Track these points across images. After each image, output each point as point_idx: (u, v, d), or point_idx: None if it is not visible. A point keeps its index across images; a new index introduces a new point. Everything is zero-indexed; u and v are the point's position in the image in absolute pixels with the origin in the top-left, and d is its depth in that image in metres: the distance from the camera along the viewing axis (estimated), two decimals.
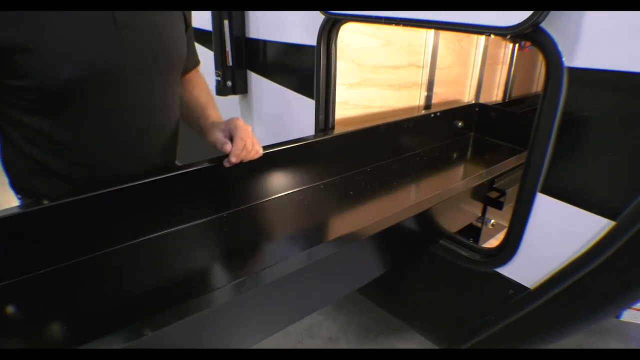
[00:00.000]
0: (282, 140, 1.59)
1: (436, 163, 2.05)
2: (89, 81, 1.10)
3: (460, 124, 2.38)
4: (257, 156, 1.33)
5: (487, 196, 1.62)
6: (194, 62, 1.53)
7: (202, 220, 1.35)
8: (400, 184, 1.76)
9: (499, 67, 2.97)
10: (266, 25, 2.09)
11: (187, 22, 1.40)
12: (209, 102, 1.49)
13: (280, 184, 1.57)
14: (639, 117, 1.06)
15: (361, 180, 1.77)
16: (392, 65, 2.26)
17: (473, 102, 2.77)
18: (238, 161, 1.29)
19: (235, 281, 0.94)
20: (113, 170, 1.24)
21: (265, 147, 1.43)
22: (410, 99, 2.43)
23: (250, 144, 1.29)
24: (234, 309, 0.92)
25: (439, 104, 2.56)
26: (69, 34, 1.05)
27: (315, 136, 1.79)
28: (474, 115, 2.48)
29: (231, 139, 1.28)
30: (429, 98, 2.49)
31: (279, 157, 1.54)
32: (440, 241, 1.56)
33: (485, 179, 1.60)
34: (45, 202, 1.04)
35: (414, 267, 1.71)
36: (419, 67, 2.40)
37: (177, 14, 1.32)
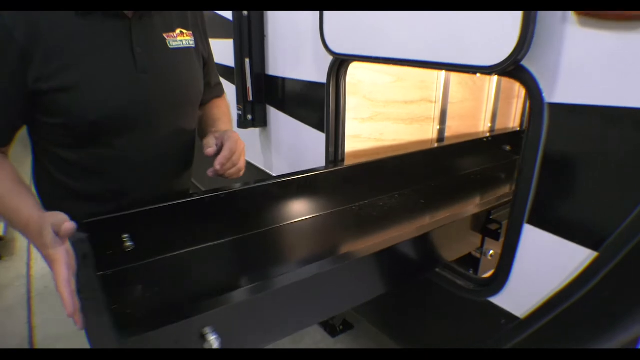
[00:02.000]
0: (297, 170, 1.62)
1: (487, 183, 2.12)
2: (112, 120, 1.18)
3: (508, 147, 2.47)
4: (237, 174, 1.32)
5: (485, 227, 1.57)
6: (218, 92, 1.59)
7: (222, 241, 1.38)
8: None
9: (514, 100, 2.91)
10: (283, 64, 2.12)
11: (205, 60, 1.44)
12: (223, 118, 1.52)
13: (290, 211, 1.58)
14: (617, 150, 1.02)
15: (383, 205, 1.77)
16: (404, 100, 2.24)
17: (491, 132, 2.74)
18: (221, 171, 1.27)
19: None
20: (134, 195, 1.31)
21: (279, 177, 1.50)
22: (423, 133, 2.40)
23: (237, 158, 1.29)
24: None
25: (452, 137, 2.52)
26: (95, 79, 1.13)
27: (324, 167, 1.80)
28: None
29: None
30: (441, 131, 2.45)
31: (292, 185, 1.56)
32: (437, 269, 1.52)
33: (482, 210, 1.56)
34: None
35: (411, 292, 1.67)
36: (431, 102, 2.38)
37: (194, 56, 1.36)
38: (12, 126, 1.18)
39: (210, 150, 1.27)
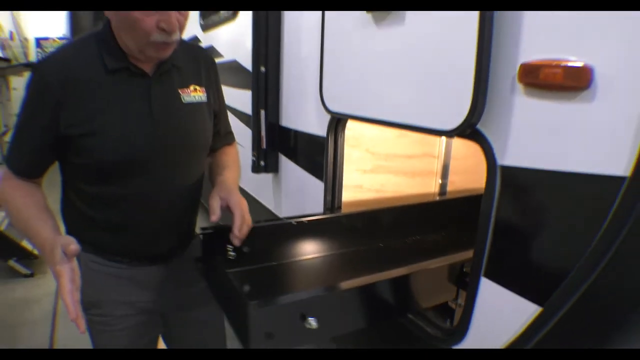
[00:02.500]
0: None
1: None
2: (130, 162, 1.32)
3: None
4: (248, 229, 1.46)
5: (458, 278, 1.63)
6: (228, 140, 1.73)
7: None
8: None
9: None
10: (294, 117, 2.26)
11: (216, 112, 1.59)
12: (231, 166, 1.65)
13: (291, 251, 1.70)
14: (560, 212, 1.08)
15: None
16: (406, 154, 2.34)
17: None
18: (242, 238, 1.42)
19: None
20: (147, 226, 1.45)
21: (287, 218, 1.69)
22: (425, 186, 2.48)
23: (247, 219, 1.42)
24: None
25: (455, 192, 2.58)
26: (117, 127, 1.29)
27: (321, 213, 1.92)
28: None
29: (227, 208, 1.43)
30: (443, 185, 2.53)
31: (293, 228, 1.70)
32: (409, 315, 1.58)
33: (456, 262, 1.61)
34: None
35: (386, 332, 1.73)
36: (433, 157, 2.47)
37: (205, 109, 1.51)
38: (45, 162, 1.36)
39: (215, 217, 1.39)
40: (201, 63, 1.50)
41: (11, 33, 8.08)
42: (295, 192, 2.34)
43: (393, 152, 2.29)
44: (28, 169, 1.36)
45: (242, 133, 2.87)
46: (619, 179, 0.95)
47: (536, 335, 1.15)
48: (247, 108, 2.64)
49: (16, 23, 8.60)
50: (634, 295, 1.02)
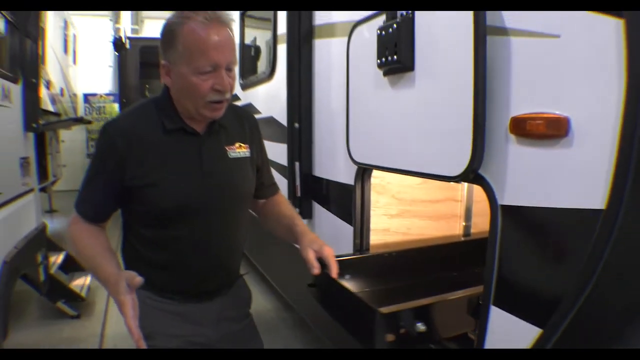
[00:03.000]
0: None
1: None
2: (181, 209, 1.55)
3: None
4: None
5: (475, 310, 1.80)
6: (273, 191, 1.94)
7: None
8: None
9: None
10: (325, 167, 2.51)
11: (259, 167, 1.81)
12: (295, 215, 1.86)
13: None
14: (550, 243, 1.28)
15: None
16: (430, 199, 2.55)
17: None
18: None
19: None
20: (196, 266, 1.63)
21: None
22: (450, 229, 2.67)
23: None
24: None
25: (479, 233, 2.76)
26: (171, 179, 1.52)
27: (350, 254, 2.14)
28: None
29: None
30: (467, 227, 2.71)
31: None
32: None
33: (472, 294, 1.79)
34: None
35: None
36: (456, 200, 2.67)
37: (248, 163, 1.72)
38: (109, 209, 1.59)
39: (316, 271, 1.60)
40: (245, 123, 1.72)
41: (62, 89, 8.65)
42: (328, 236, 2.55)
43: (417, 198, 2.51)
44: (95, 215, 1.57)
45: (278, 182, 3.13)
46: (597, 211, 1.15)
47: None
48: (283, 159, 2.91)
49: (66, 80, 9.20)
50: (624, 310, 1.20)
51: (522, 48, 1.32)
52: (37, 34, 3.64)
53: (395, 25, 1.69)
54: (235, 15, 4.37)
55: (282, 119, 3.02)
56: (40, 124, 3.57)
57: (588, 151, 1.17)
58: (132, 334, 1.28)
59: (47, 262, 4.00)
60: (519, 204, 1.35)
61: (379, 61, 1.80)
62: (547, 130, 1.23)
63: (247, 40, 4.44)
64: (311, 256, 1.60)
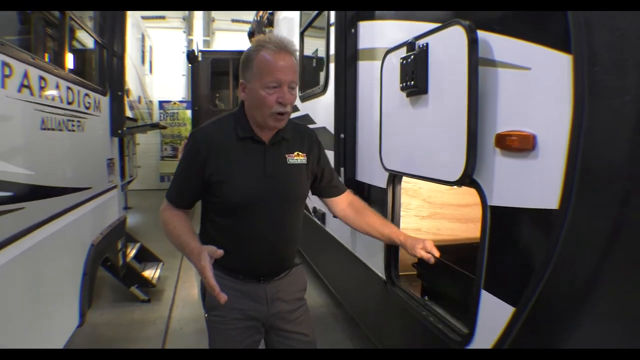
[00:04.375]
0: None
1: None
2: (246, 202, 1.92)
3: None
4: None
5: None
6: (341, 190, 2.29)
7: None
8: None
9: None
10: (365, 172, 2.91)
11: (316, 172, 2.15)
12: (387, 221, 2.36)
13: None
14: (522, 238, 1.64)
15: None
16: (458, 203, 2.89)
17: None
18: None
19: None
20: (254, 252, 1.98)
21: None
22: (477, 231, 2.92)
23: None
24: None
25: None
26: (240, 177, 1.91)
27: None
28: None
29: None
30: None
31: None
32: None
33: None
34: None
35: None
36: None
37: (304, 169, 2.06)
38: (193, 199, 2.00)
39: (433, 260, 2.11)
40: (305, 138, 2.08)
41: (139, 97, 9.39)
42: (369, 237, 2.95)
43: (447, 202, 2.86)
44: (180, 202, 1.99)
45: None
46: (554, 211, 1.48)
47: (512, 329, 1.65)
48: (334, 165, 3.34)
49: (142, 88, 9.94)
50: (577, 293, 1.50)
51: (504, 77, 1.68)
52: (122, 53, 4.27)
53: (413, 56, 2.09)
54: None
55: (331, 128, 3.42)
56: (124, 129, 4.16)
57: (548, 162, 1.50)
58: (212, 289, 1.64)
59: (125, 250, 4.58)
60: (501, 204, 1.70)
61: (401, 85, 2.20)
62: (520, 145, 1.58)
63: (309, 52, 4.92)
64: (423, 253, 2.10)
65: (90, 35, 3.76)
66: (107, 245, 3.70)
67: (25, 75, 2.29)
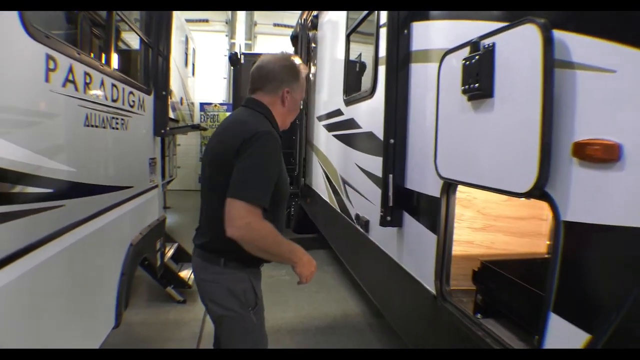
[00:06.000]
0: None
1: None
2: (286, 193, 2.17)
3: None
4: None
5: None
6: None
7: None
8: None
9: None
10: (417, 180, 2.75)
11: None
12: None
13: None
14: (605, 257, 1.46)
15: None
16: (515, 216, 2.71)
17: None
18: None
19: None
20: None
21: None
22: (534, 247, 2.80)
23: None
24: None
25: None
26: (284, 179, 2.10)
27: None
28: None
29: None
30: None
31: None
32: None
33: None
34: None
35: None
36: (542, 219, 2.79)
37: None
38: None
39: None
40: None
41: (181, 98, 9.46)
42: (414, 244, 2.78)
43: (502, 214, 2.68)
44: (267, 200, 1.87)
45: (373, 191, 3.40)
46: None
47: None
48: (378, 171, 3.19)
49: (185, 90, 10.02)
50: None
51: (584, 80, 1.51)
52: (167, 52, 4.20)
53: (477, 57, 1.93)
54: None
55: (380, 133, 3.28)
56: (167, 129, 4.10)
57: (636, 174, 1.34)
58: (307, 281, 2.06)
59: (164, 250, 4.52)
60: (577, 220, 1.53)
61: (463, 88, 2.04)
62: (603, 155, 1.41)
63: (353, 57, 4.80)
64: None
65: (136, 33, 3.69)
66: (146, 245, 3.63)
67: (70, 70, 2.22)
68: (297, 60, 2.17)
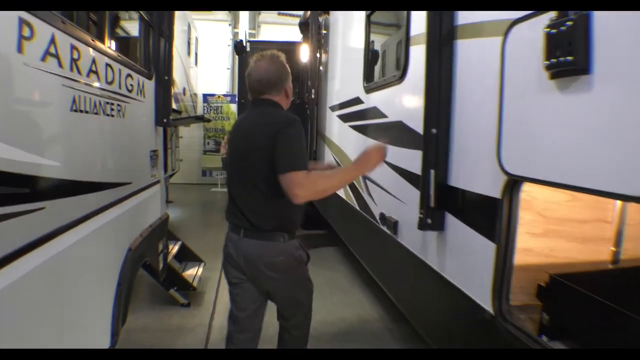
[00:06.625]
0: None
1: None
2: None
3: None
4: None
5: None
6: None
7: None
8: None
9: None
10: (463, 177, 2.30)
11: None
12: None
13: None
14: None
15: None
16: (578, 219, 2.27)
17: None
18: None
19: None
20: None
21: None
22: (597, 254, 2.37)
23: None
24: None
25: (629, 260, 2.42)
26: None
27: None
28: None
29: None
30: (617, 253, 2.39)
31: None
32: None
33: None
34: None
35: None
36: (606, 222, 2.36)
37: None
38: None
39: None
40: None
41: (184, 89, 9.01)
42: (461, 251, 2.35)
43: (565, 216, 2.24)
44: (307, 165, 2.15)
45: (403, 188, 2.95)
46: None
47: None
48: (411, 166, 2.75)
49: (187, 80, 9.59)
50: None
51: None
52: (170, 33, 3.72)
53: (569, 23, 1.48)
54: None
55: (412, 123, 2.84)
56: (170, 119, 3.63)
57: None
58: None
59: (167, 251, 4.08)
60: None
61: (547, 62, 1.58)
62: None
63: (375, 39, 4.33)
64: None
65: (136, 11, 3.20)
66: (147, 248, 3.18)
67: (52, 41, 1.77)
68: (279, 54, 2.43)
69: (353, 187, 4.38)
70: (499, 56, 1.89)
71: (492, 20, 2.06)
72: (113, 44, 2.64)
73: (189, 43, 9.72)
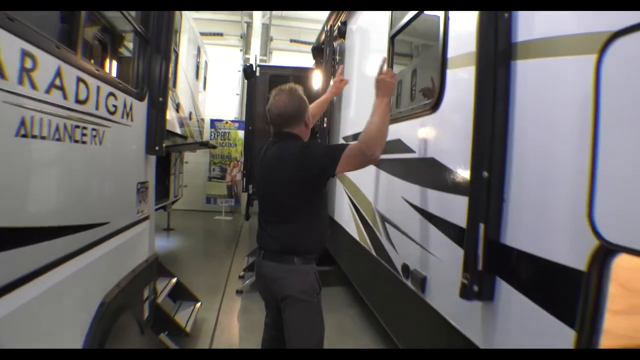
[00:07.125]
0: None
1: None
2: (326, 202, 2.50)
3: None
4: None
5: None
6: None
7: None
8: None
9: None
10: (527, 235, 1.76)
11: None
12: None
13: None
14: None
15: None
16: None
17: None
18: None
19: None
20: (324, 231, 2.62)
21: None
22: None
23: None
24: None
25: None
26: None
27: None
28: None
29: None
30: None
31: None
32: None
33: None
34: None
35: None
36: None
37: None
38: None
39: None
40: None
41: (190, 113, 8.57)
42: (518, 328, 1.79)
43: None
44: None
45: (434, 240, 2.42)
46: None
47: None
48: (448, 215, 2.22)
49: (195, 104, 9.18)
50: None
51: None
52: (168, 50, 3.20)
53: None
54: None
55: (449, 161, 2.32)
56: (163, 146, 3.10)
57: None
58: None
59: (155, 296, 3.52)
60: None
61: None
62: None
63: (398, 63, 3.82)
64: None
65: (127, 21, 2.68)
66: (128, 298, 2.64)
67: None
68: (297, 87, 2.53)
69: (368, 228, 3.82)
70: (592, 81, 1.36)
71: (577, 33, 1.55)
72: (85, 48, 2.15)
73: (197, 67, 9.33)
